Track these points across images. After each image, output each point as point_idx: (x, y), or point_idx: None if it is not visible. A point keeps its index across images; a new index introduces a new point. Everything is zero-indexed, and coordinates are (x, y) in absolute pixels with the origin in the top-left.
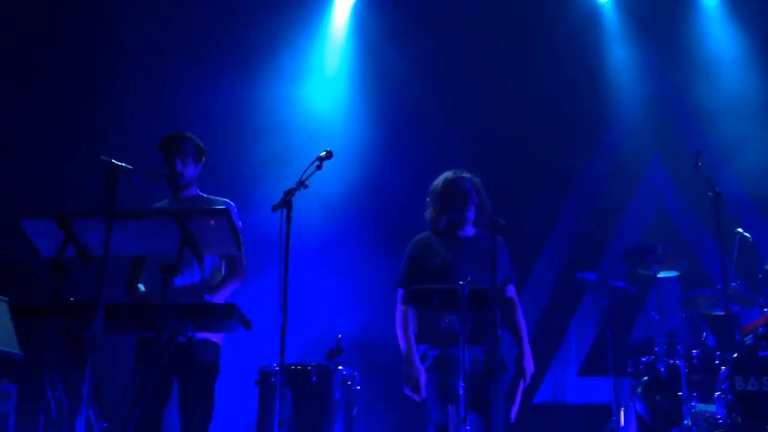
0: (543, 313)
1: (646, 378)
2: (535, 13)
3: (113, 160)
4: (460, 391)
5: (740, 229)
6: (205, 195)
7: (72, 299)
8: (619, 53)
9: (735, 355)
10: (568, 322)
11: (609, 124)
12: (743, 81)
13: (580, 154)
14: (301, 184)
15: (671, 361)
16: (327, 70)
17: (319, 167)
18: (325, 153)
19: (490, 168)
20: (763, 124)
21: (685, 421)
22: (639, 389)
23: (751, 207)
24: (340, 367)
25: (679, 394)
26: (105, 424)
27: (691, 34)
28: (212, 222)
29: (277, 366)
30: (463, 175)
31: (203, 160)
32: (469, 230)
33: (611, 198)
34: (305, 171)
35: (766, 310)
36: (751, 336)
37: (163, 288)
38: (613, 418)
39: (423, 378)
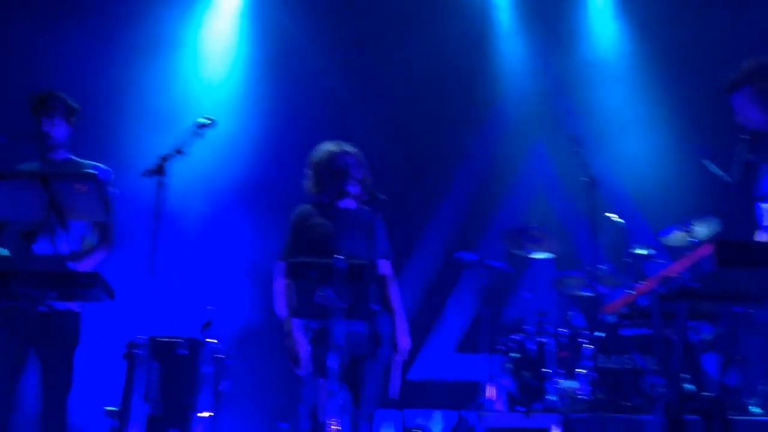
0: (424, 291)
1: (515, 355)
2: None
3: None
4: (333, 365)
5: (611, 214)
6: (78, 159)
7: None
8: (510, 42)
9: (599, 334)
10: (447, 300)
11: (496, 109)
12: (624, 73)
13: (466, 137)
14: (178, 151)
15: (540, 339)
16: (216, 38)
17: (199, 135)
18: (207, 120)
19: (378, 145)
20: (637, 114)
21: (550, 397)
22: (508, 366)
23: (623, 193)
24: (211, 340)
25: (546, 370)
26: None
27: (577, 27)
28: (80, 186)
29: (144, 338)
30: (346, 149)
31: (75, 120)
32: (350, 203)
33: (495, 180)
34: (184, 137)
35: (628, 290)
36: (612, 315)
37: (24, 254)
38: (482, 394)
39: (304, 351)
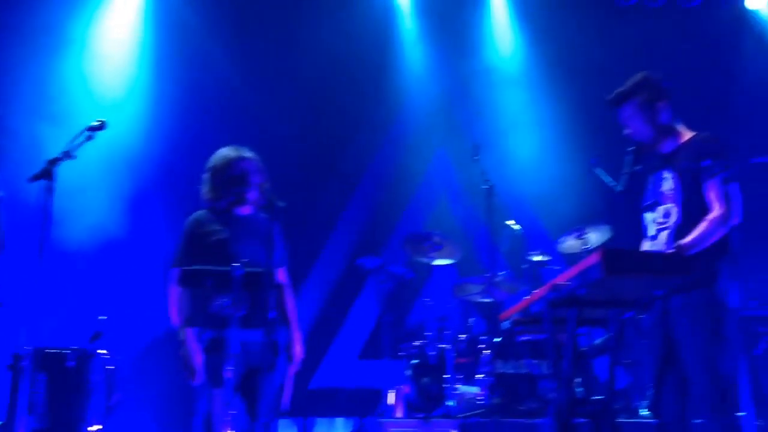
0: (328, 297)
1: (415, 361)
2: (335, 6)
3: None
4: (228, 375)
5: (510, 221)
6: None
7: None
8: (413, 47)
9: (497, 339)
10: (350, 307)
11: (399, 116)
12: (523, 80)
13: (369, 144)
14: (67, 155)
15: (440, 345)
16: (113, 36)
17: (89, 138)
18: (97, 122)
19: (282, 151)
20: (536, 121)
21: (449, 402)
22: (408, 372)
23: (522, 199)
24: (101, 351)
25: (446, 376)
26: None
27: (478, 34)
28: None
29: (29, 349)
30: (244, 154)
31: None
32: (247, 209)
33: (398, 187)
34: (73, 140)
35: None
36: (507, 321)
37: None
38: (384, 401)
39: (200, 361)
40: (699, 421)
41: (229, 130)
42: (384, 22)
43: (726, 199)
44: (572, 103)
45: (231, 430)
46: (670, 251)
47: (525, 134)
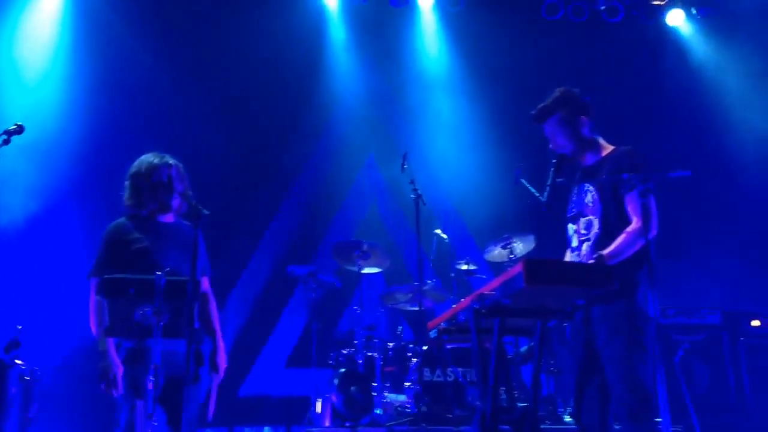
0: (256, 306)
1: (342, 370)
2: (264, 11)
3: None
4: (149, 386)
5: (438, 230)
6: None
7: None
8: (343, 56)
9: (424, 348)
10: (279, 315)
11: (328, 124)
12: (451, 90)
13: (300, 152)
14: None
15: (369, 353)
16: (34, 39)
17: (6, 142)
18: (14, 126)
19: (212, 158)
20: (463, 131)
21: (376, 411)
22: (335, 380)
23: (450, 209)
24: (18, 362)
25: (374, 384)
26: None
27: (407, 42)
28: None
29: None
30: (167, 160)
31: None
32: (170, 217)
33: (328, 195)
34: None
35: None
36: (434, 330)
37: None
38: (312, 409)
39: (121, 372)
40: (618, 427)
41: (154, 136)
42: (314, 29)
43: (644, 211)
44: (500, 113)
45: None
46: (591, 262)
47: (455, 143)
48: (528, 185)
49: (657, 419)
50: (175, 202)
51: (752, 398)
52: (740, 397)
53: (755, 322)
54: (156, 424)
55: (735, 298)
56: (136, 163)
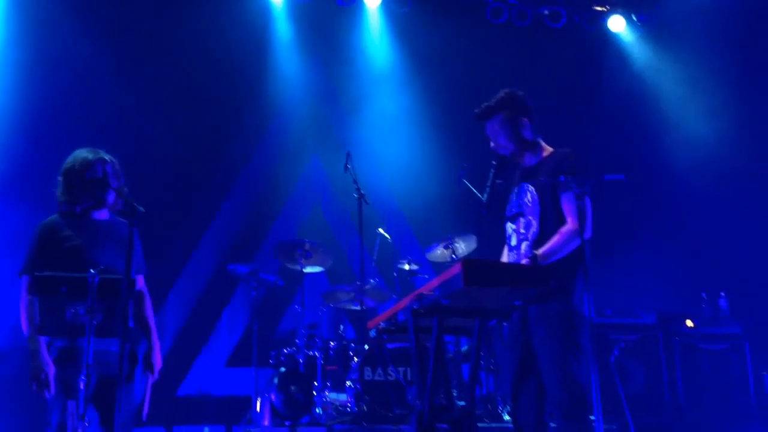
0: (197, 304)
1: (282, 369)
2: (209, 5)
3: None
4: (81, 386)
5: (382, 230)
6: None
7: None
8: (285, 57)
9: (366, 347)
10: (220, 314)
11: (272, 124)
12: (395, 90)
13: (244, 150)
14: None
15: (310, 353)
16: None
17: None
18: None
19: (154, 154)
20: (406, 131)
21: (316, 410)
22: (275, 380)
23: (393, 208)
24: None
25: (315, 384)
26: None
27: (352, 44)
28: None
29: None
30: (102, 156)
31: None
32: (105, 214)
33: (271, 194)
34: None
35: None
36: (373, 330)
37: None
38: (253, 409)
39: (52, 372)
40: (554, 425)
41: (90, 130)
42: (259, 26)
43: (579, 212)
44: (445, 114)
45: None
46: (527, 262)
47: (400, 144)
48: (470, 186)
49: (591, 417)
50: (110, 199)
51: (685, 397)
52: (674, 396)
53: (689, 323)
54: (87, 424)
55: (670, 298)
56: (70, 158)
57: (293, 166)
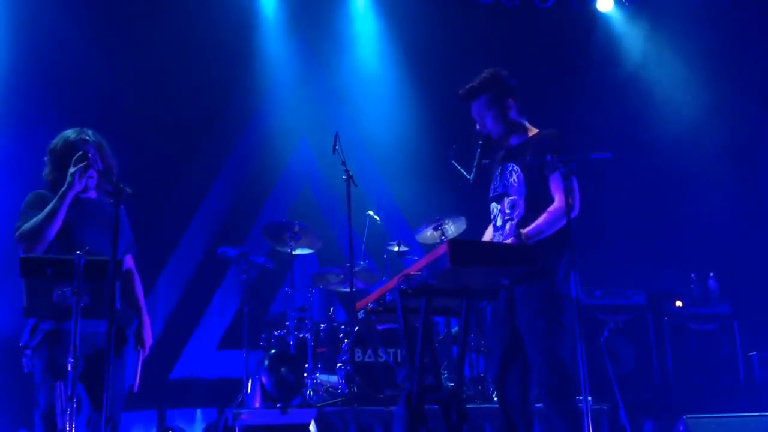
0: (187, 287)
1: (272, 351)
2: None
3: None
4: (70, 367)
5: (371, 212)
6: None
7: None
8: (273, 39)
9: (356, 328)
10: (211, 297)
11: (261, 106)
12: (384, 73)
13: (231, 133)
14: None
15: (300, 335)
16: None
17: None
18: None
19: (145, 137)
20: (395, 113)
21: (307, 392)
22: (265, 362)
23: (382, 190)
24: None
25: (305, 365)
26: None
27: (340, 27)
28: None
29: None
30: (87, 137)
31: None
32: (91, 194)
33: (260, 176)
34: None
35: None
36: (362, 311)
37: None
38: (244, 391)
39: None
40: (540, 405)
41: (79, 111)
42: (246, 9)
43: (566, 192)
44: (433, 95)
45: (73, 422)
46: (513, 241)
47: (387, 124)
48: (459, 167)
49: (578, 397)
50: (93, 180)
51: (675, 377)
52: (663, 376)
53: (678, 303)
54: (75, 405)
55: (659, 279)
56: (57, 138)
57: (282, 148)
